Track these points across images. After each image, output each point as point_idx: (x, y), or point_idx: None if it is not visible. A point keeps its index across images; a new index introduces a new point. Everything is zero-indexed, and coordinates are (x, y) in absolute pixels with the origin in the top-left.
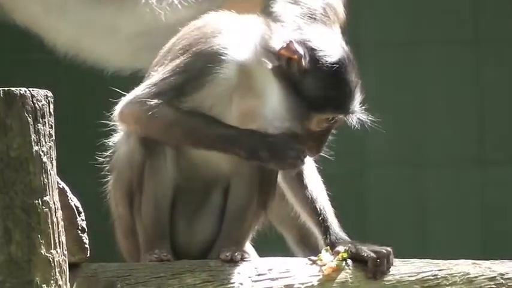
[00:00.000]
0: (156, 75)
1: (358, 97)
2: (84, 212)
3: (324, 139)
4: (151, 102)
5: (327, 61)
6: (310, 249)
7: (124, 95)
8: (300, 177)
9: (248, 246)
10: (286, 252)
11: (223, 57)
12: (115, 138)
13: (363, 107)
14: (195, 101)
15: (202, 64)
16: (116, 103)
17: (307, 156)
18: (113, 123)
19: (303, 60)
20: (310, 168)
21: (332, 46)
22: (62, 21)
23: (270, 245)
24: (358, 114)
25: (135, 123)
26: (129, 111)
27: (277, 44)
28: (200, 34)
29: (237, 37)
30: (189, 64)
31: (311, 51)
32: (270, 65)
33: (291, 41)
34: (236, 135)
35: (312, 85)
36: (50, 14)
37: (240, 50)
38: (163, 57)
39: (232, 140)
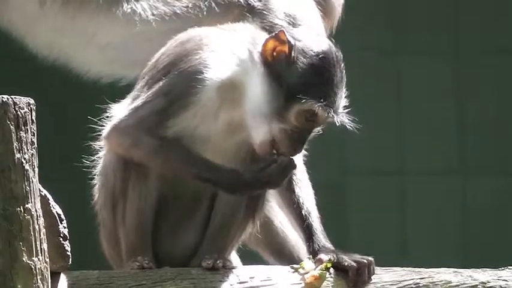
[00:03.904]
0: (140, 97)
1: (340, 96)
2: (66, 219)
3: (303, 139)
4: (135, 131)
5: (314, 50)
6: (286, 260)
7: (109, 103)
8: (288, 181)
9: (232, 255)
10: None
11: (205, 76)
12: (100, 145)
13: (346, 110)
14: (180, 123)
15: (184, 85)
16: (101, 111)
17: (290, 165)
18: (98, 131)
19: (292, 50)
20: (300, 173)
21: (320, 40)
22: (39, 27)
23: (253, 253)
24: (339, 114)
25: (119, 149)
26: (114, 138)
27: (263, 41)
28: (182, 50)
29: (220, 51)
30: (172, 86)
31: (299, 41)
32: (256, 65)
33: (281, 31)
34: (215, 177)
35: (296, 73)
36: (26, 19)
37: (223, 63)
38: (148, 73)
39: (211, 181)
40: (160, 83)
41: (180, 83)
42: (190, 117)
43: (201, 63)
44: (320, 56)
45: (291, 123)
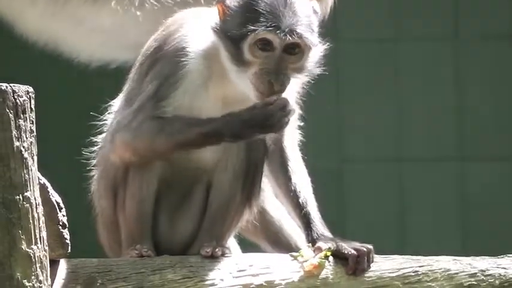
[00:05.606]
0: (133, 89)
1: (285, 16)
2: (65, 207)
3: (275, 71)
4: (134, 123)
5: None
6: (283, 249)
7: (109, 93)
8: (285, 169)
9: (231, 242)
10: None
11: (187, 49)
12: (102, 135)
13: (302, 28)
14: (175, 101)
15: (170, 62)
16: (100, 102)
17: (288, 109)
18: (99, 121)
19: (223, 3)
20: (296, 161)
21: None
22: (29, 13)
23: (252, 241)
24: (289, 32)
25: (125, 151)
26: (118, 142)
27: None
28: (166, 33)
29: (198, 27)
30: (160, 68)
31: None
32: (216, 32)
33: None
34: (216, 127)
35: (233, 18)
36: (16, 6)
37: (202, 38)
38: (140, 59)
39: (214, 133)
40: (150, 72)
41: (167, 61)
42: (182, 94)
43: (182, 39)
44: None
45: (255, 62)
